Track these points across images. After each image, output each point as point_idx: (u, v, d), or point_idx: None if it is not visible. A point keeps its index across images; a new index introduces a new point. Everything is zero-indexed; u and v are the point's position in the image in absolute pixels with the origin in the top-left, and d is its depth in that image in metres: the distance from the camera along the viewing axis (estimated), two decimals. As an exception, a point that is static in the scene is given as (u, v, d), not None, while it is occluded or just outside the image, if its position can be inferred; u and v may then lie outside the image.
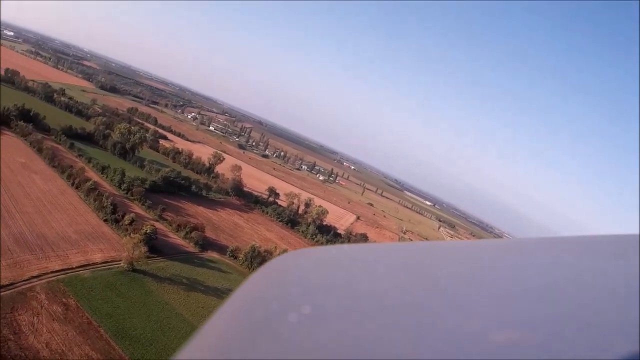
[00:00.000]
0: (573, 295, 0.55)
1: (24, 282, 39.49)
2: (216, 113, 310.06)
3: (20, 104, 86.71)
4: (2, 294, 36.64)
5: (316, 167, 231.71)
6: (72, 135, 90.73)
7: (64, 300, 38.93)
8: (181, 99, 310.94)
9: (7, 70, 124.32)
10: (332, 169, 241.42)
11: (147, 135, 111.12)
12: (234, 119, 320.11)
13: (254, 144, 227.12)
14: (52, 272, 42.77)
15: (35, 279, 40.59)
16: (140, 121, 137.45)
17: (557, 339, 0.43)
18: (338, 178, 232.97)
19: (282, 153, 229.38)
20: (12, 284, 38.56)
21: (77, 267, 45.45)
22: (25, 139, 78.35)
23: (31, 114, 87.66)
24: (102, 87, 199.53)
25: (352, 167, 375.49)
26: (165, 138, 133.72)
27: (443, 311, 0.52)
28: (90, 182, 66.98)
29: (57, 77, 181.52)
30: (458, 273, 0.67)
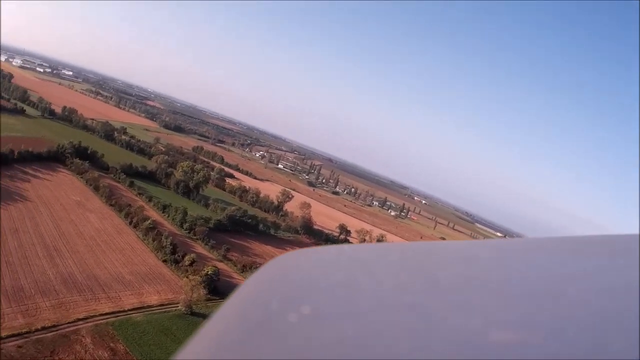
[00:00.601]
0: (573, 295, 0.61)
1: (68, 325, 39.78)
2: (285, 151, 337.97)
3: (76, 142, 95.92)
4: (43, 336, 36.74)
5: (387, 203, 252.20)
6: (132, 174, 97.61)
7: (111, 344, 38.29)
8: (249, 138, 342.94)
9: (64, 108, 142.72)
10: (404, 204, 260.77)
11: (212, 173, 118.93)
12: (303, 156, 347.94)
13: (324, 181, 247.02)
14: (101, 314, 43.06)
15: (81, 322, 40.88)
16: (206, 160, 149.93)
17: (557, 339, 0.48)
18: (410, 213, 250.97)
19: (352, 189, 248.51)
20: (55, 325, 38.94)
21: (129, 310, 45.51)
22: (81, 177, 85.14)
23: (88, 151, 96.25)
24: (166, 126, 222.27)
25: (424, 202, 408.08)
26: (231, 177, 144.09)
27: (443, 311, 0.58)
28: (149, 221, 69.67)
29: (119, 116, 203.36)
30: (458, 273, 0.73)
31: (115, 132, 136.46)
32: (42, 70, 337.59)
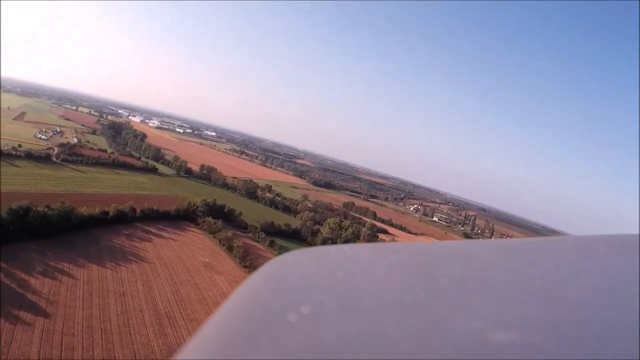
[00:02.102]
0: (573, 295, 0.67)
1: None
2: (439, 203, 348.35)
3: (211, 200, 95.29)
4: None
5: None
6: (274, 232, 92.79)
7: None
8: (402, 192, 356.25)
9: (202, 166, 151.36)
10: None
11: (363, 229, 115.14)
12: (457, 207, 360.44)
13: (479, 231, 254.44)
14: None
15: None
16: (358, 215, 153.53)
17: (557, 339, 0.53)
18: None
19: (508, 238, 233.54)
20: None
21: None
22: (214, 236, 79.63)
23: (225, 210, 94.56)
24: (316, 183, 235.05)
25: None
26: (385, 232, 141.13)
27: (443, 311, 0.63)
28: (288, 283, 57.62)
29: (264, 174, 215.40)
30: (458, 273, 0.80)
31: (259, 190, 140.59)
32: (181, 130, 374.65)
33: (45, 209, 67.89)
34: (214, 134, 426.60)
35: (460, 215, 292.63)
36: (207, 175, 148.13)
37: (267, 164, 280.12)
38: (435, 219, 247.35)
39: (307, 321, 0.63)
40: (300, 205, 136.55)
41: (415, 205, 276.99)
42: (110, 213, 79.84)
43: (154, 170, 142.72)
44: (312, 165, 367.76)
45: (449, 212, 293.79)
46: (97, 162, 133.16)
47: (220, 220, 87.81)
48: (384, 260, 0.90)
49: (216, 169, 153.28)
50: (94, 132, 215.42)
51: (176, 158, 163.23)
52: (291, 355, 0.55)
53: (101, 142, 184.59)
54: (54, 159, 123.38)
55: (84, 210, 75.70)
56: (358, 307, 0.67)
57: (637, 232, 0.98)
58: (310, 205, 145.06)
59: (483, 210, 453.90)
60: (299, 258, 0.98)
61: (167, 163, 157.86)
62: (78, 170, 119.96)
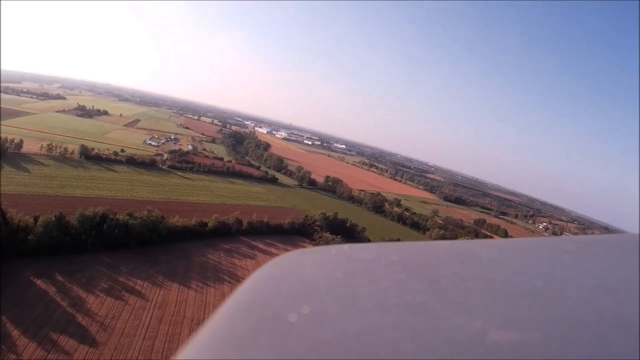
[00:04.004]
0: (573, 295, 0.74)
1: None
2: (566, 221, 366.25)
3: (331, 213, 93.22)
4: None
5: None
6: None
7: None
8: (531, 209, 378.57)
9: (327, 178, 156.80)
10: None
11: None
12: (583, 226, 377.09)
13: None
14: None
15: None
16: (489, 233, 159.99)
17: (557, 339, 0.59)
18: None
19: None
20: None
21: None
22: None
23: (347, 224, 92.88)
24: (446, 199, 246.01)
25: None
26: None
27: (443, 311, 0.70)
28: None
29: (393, 188, 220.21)
30: (458, 273, 0.88)
31: (387, 204, 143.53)
32: (310, 142, 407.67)
33: (127, 217, 64.82)
34: (343, 146, 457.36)
35: (585, 234, 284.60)
36: (332, 187, 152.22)
37: (396, 178, 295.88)
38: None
39: (307, 321, 0.71)
40: (430, 222, 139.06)
41: (544, 224, 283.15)
42: (210, 224, 76.06)
43: (273, 181, 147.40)
44: (442, 180, 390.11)
45: (575, 230, 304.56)
46: (210, 170, 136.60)
47: (340, 236, 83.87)
48: (384, 260, 0.99)
49: (342, 181, 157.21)
50: (213, 141, 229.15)
51: (299, 168, 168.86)
52: (291, 355, 0.62)
53: (220, 150, 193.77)
54: (160, 165, 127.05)
55: (176, 220, 72.09)
56: (358, 307, 0.74)
57: (637, 232, 1.05)
58: (440, 221, 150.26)
59: (606, 230, 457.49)
60: (299, 258, 1.08)
61: (289, 174, 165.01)
62: (186, 178, 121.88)
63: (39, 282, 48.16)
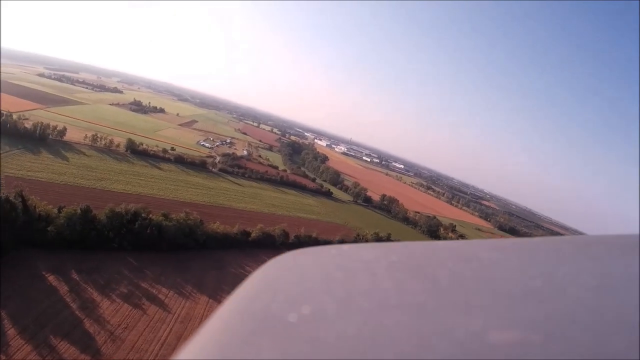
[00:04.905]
0: (573, 295, 0.77)
1: None
2: None
3: (385, 234, 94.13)
4: None
5: None
6: None
7: None
8: None
9: (383, 196, 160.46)
10: None
11: None
12: None
13: None
14: None
15: None
16: None
17: (557, 339, 0.62)
18: None
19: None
20: None
21: None
22: None
23: None
24: (501, 228, 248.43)
25: None
26: None
27: (443, 311, 0.73)
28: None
29: (449, 212, 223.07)
30: (458, 273, 0.92)
31: (441, 229, 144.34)
32: (368, 159, 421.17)
33: (162, 218, 62.44)
34: (401, 166, 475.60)
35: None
36: (387, 206, 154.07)
37: (452, 202, 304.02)
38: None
39: (306, 321, 0.74)
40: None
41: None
42: (253, 234, 73.27)
43: (327, 194, 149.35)
44: (497, 208, 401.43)
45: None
46: (262, 178, 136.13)
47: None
48: (384, 260, 1.03)
49: (398, 201, 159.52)
50: (269, 149, 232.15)
51: (356, 184, 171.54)
52: (291, 355, 0.65)
53: (276, 159, 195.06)
54: (210, 168, 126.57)
55: (216, 226, 69.21)
56: (358, 307, 0.78)
57: (637, 232, 1.09)
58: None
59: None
60: (298, 258, 1.13)
61: (345, 189, 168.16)
62: (236, 183, 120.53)
63: (51, 277, 45.61)
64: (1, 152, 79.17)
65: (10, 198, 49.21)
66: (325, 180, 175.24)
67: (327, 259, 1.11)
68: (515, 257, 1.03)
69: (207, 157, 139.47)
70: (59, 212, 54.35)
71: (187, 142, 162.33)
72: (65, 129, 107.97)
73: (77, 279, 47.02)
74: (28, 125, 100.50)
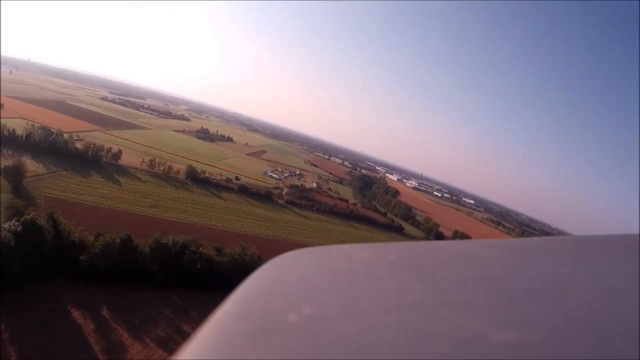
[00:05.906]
0: (573, 295, 0.82)
1: None
2: None
3: None
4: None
5: None
6: None
7: None
8: None
9: (455, 232, 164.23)
10: None
11: None
12: None
13: None
14: None
15: None
16: None
17: (557, 339, 0.65)
18: None
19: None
20: None
21: None
22: None
23: None
24: None
25: None
26: None
27: (443, 311, 0.77)
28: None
29: None
30: (458, 273, 0.96)
31: None
32: (439, 194, 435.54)
33: (214, 252, 58.31)
34: (472, 202, 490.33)
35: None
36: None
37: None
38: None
39: (306, 321, 0.77)
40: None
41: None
42: (318, 272, 67.80)
43: (399, 229, 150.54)
44: None
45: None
46: (331, 211, 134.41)
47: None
48: (384, 260, 1.06)
49: (470, 237, 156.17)
50: (340, 182, 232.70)
51: (428, 220, 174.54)
52: (291, 355, 0.68)
53: (346, 192, 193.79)
54: (276, 199, 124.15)
55: (277, 263, 64.50)
56: (358, 307, 0.81)
57: (637, 232, 1.13)
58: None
59: None
60: (299, 258, 1.17)
61: (416, 224, 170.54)
62: (303, 216, 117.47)
63: (76, 312, 41.69)
64: (39, 171, 77.88)
65: (38, 221, 45.87)
66: (396, 215, 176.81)
67: (327, 259, 1.14)
68: (515, 257, 1.06)
69: (274, 188, 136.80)
70: (96, 239, 50.81)
71: (254, 172, 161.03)
72: (120, 151, 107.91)
73: (107, 316, 42.79)
74: (80, 146, 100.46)
